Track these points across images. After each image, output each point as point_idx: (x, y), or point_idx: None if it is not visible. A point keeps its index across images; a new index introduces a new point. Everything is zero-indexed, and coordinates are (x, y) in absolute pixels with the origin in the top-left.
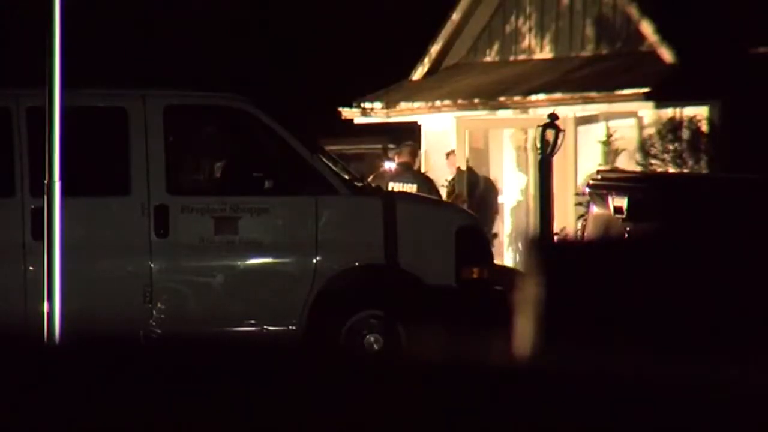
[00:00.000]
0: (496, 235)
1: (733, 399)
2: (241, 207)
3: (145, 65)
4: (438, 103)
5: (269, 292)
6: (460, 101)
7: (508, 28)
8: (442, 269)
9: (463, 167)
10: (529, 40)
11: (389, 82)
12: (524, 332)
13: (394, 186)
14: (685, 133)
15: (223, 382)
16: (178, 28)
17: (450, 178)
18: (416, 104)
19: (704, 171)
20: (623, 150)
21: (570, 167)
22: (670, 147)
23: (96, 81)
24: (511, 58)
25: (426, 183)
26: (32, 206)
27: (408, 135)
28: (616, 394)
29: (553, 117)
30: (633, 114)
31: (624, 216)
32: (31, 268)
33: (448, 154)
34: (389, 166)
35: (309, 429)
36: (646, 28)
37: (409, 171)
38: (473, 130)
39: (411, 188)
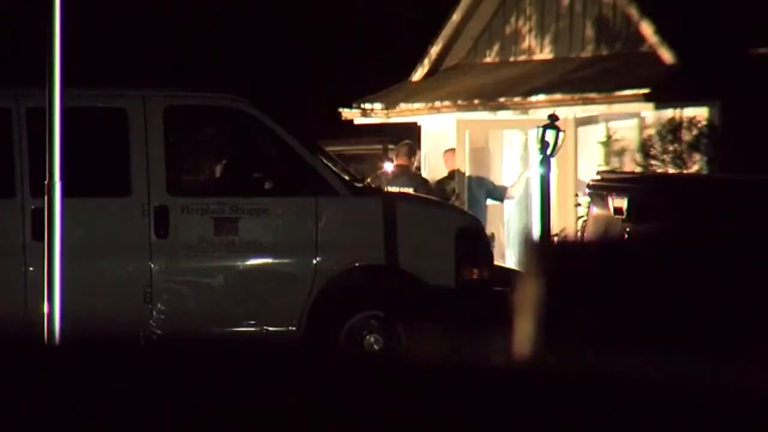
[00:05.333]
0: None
1: (733, 399)
2: (241, 208)
3: (145, 65)
4: (438, 103)
5: (269, 292)
6: (460, 102)
7: (508, 29)
8: (442, 270)
9: (463, 167)
10: (529, 41)
11: (389, 82)
12: (524, 333)
13: (392, 190)
14: (685, 134)
15: (222, 383)
16: (178, 28)
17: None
18: (416, 105)
19: (704, 172)
20: (623, 151)
21: (570, 168)
22: (670, 148)
23: (96, 81)
24: (511, 59)
25: (424, 185)
26: (32, 207)
27: (406, 135)
28: (616, 394)
29: (553, 118)
30: (634, 115)
31: (624, 216)
32: (31, 268)
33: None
34: (388, 167)
35: (309, 429)
36: (646, 28)
37: (406, 174)
38: (473, 130)
39: (408, 192)
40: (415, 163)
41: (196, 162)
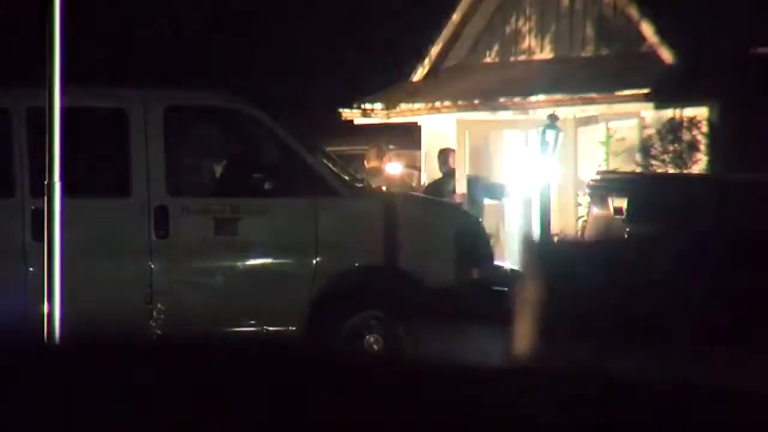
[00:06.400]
0: None
1: (731, 399)
2: (241, 208)
3: (145, 65)
4: (438, 104)
5: (269, 293)
6: (460, 102)
7: (508, 29)
8: (442, 270)
9: (463, 167)
10: (529, 41)
11: (389, 82)
12: (524, 332)
13: None
14: (685, 134)
15: (222, 383)
16: (179, 28)
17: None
18: (416, 105)
19: (704, 171)
20: (623, 151)
21: (570, 168)
22: (670, 148)
23: (96, 81)
24: (512, 59)
25: (400, 184)
26: (32, 207)
27: (406, 135)
28: (614, 393)
29: (553, 117)
30: (634, 115)
31: (624, 216)
32: (31, 268)
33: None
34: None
35: (308, 429)
36: (646, 29)
37: (380, 176)
38: (473, 130)
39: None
40: (386, 164)
41: (196, 162)
